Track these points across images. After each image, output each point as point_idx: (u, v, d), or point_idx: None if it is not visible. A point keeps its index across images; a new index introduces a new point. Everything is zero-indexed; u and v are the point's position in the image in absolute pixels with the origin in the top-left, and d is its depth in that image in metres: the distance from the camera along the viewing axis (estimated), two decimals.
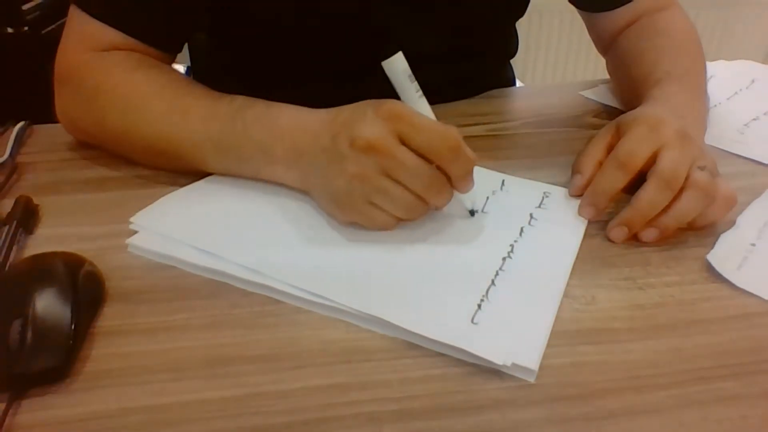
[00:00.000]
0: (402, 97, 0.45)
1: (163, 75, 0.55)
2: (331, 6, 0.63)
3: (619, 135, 0.50)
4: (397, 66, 0.44)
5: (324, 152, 0.45)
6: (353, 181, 0.43)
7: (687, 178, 0.45)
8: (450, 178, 0.45)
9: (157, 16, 0.57)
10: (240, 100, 0.52)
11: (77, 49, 0.57)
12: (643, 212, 0.46)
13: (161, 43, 0.58)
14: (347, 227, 0.47)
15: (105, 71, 0.55)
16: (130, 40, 0.56)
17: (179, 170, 0.54)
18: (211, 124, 0.51)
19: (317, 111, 0.48)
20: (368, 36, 0.65)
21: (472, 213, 0.49)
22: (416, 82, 0.44)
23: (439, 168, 0.44)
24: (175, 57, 0.62)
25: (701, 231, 0.48)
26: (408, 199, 0.44)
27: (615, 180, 0.48)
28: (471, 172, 0.45)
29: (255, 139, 0.49)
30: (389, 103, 0.43)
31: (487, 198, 0.52)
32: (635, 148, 0.47)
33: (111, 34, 0.56)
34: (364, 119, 0.43)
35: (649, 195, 0.46)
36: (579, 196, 0.51)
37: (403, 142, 0.42)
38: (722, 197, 0.47)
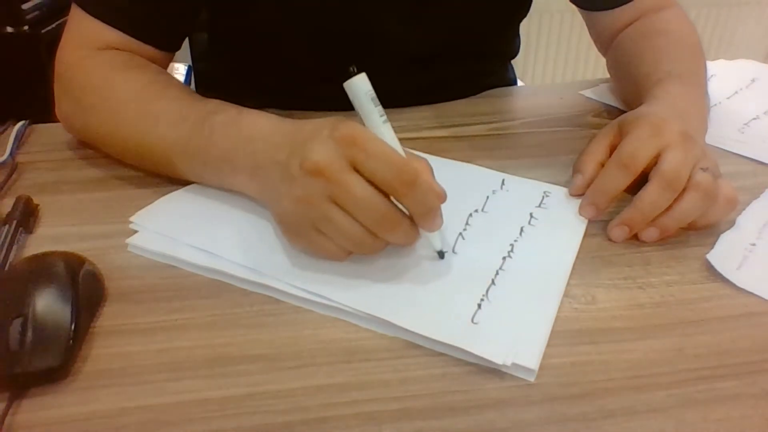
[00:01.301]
0: (364, 122, 0.41)
1: (144, 76, 0.55)
2: (331, 7, 0.63)
3: (620, 135, 0.50)
4: (359, 88, 0.40)
5: (278, 167, 0.42)
6: (299, 204, 0.40)
7: (689, 179, 0.45)
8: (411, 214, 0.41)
9: (155, 15, 0.57)
10: (212, 105, 0.50)
11: (74, 48, 0.57)
12: (645, 212, 0.46)
13: (158, 41, 0.58)
14: None
15: (91, 71, 0.55)
16: (127, 39, 0.57)
17: (157, 173, 0.54)
18: (180, 128, 0.49)
19: (285, 121, 0.45)
20: (369, 37, 0.65)
21: (441, 255, 0.44)
22: (380, 106, 0.41)
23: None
24: (173, 54, 0.62)
25: (701, 231, 0.48)
26: (355, 231, 0.40)
27: (617, 180, 0.48)
28: (433, 211, 0.41)
29: (219, 146, 0.47)
30: (347, 126, 0.39)
31: (487, 197, 0.52)
32: (638, 149, 0.47)
33: (108, 33, 0.56)
34: (318, 140, 0.40)
35: (651, 195, 0.46)
36: (579, 195, 0.51)
37: (356, 169, 0.39)
38: (724, 198, 0.47)
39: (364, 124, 0.41)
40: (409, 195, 0.39)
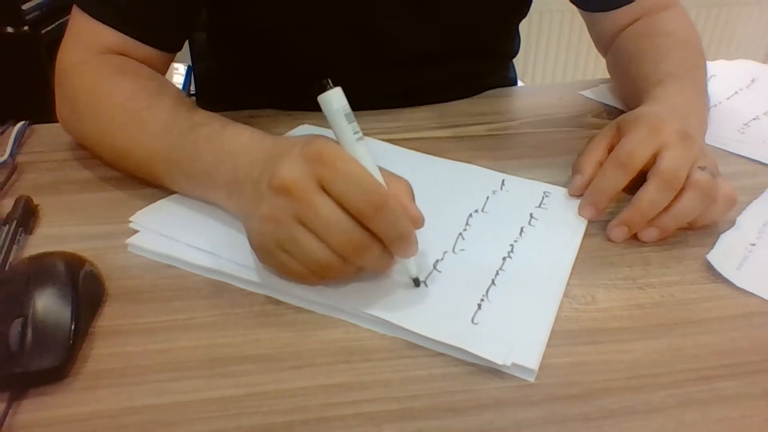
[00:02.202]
0: (338, 138, 0.39)
1: (135, 83, 0.54)
2: (331, 7, 0.63)
3: (619, 135, 0.50)
4: (333, 103, 0.38)
5: (250, 184, 0.41)
6: (265, 223, 0.39)
7: (687, 178, 0.45)
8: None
9: (155, 16, 0.58)
10: (198, 117, 0.49)
11: (73, 51, 0.57)
12: (644, 212, 0.46)
13: (159, 42, 0.58)
14: None
15: (86, 75, 0.55)
16: (126, 40, 0.57)
17: (146, 181, 0.53)
18: (163, 139, 0.49)
19: (267, 138, 0.44)
20: (369, 37, 0.65)
21: (416, 283, 0.41)
22: (355, 122, 0.39)
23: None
24: (174, 55, 0.62)
25: (701, 231, 0.48)
26: (322, 253, 0.38)
27: (615, 180, 0.48)
28: (405, 237, 0.38)
29: (202, 160, 0.46)
30: (318, 143, 0.38)
31: (487, 198, 0.52)
32: (636, 148, 0.47)
33: (108, 35, 0.56)
34: (288, 157, 0.38)
35: (650, 195, 0.46)
36: (579, 196, 0.51)
37: (324, 189, 0.37)
38: (723, 197, 0.47)
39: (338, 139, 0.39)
40: (376, 218, 0.37)
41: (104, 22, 0.56)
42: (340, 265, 0.39)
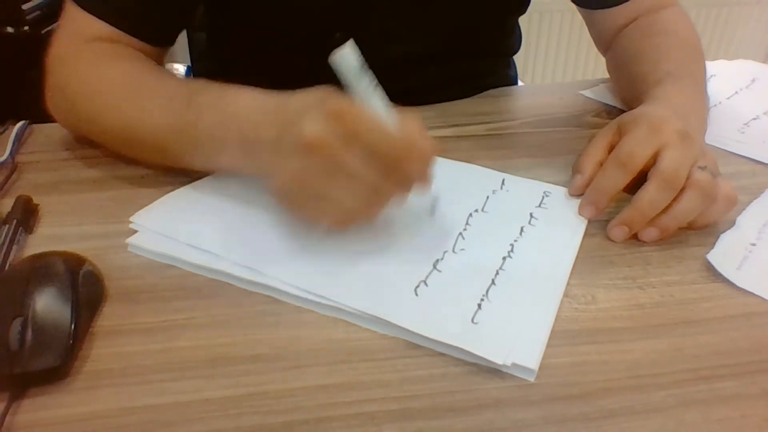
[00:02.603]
0: (353, 91, 0.41)
1: (131, 64, 0.55)
2: (330, 6, 0.63)
3: (620, 134, 0.50)
4: (348, 58, 0.40)
5: (268, 145, 0.43)
6: (294, 179, 0.42)
7: (688, 178, 0.45)
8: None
9: (147, 10, 0.57)
10: (196, 85, 0.51)
11: (65, 41, 0.57)
12: (644, 212, 0.46)
13: (150, 36, 0.58)
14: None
15: (79, 61, 0.55)
16: (118, 33, 0.57)
17: (146, 160, 0.54)
18: (166, 111, 0.50)
19: (268, 97, 0.46)
20: (368, 36, 0.65)
21: (431, 212, 0.48)
22: (370, 72, 0.41)
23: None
24: (166, 50, 0.62)
25: (701, 231, 0.48)
26: (352, 202, 0.41)
27: (616, 180, 0.48)
28: (425, 176, 0.43)
29: (206, 126, 0.48)
30: (336, 100, 0.40)
31: (487, 197, 0.52)
32: (636, 148, 0.47)
33: (99, 26, 0.56)
34: (309, 116, 0.40)
35: (650, 195, 0.46)
36: (579, 195, 0.51)
37: (349, 143, 0.40)
38: (723, 197, 0.47)
39: (352, 95, 0.41)
40: (400, 167, 0.41)
41: (96, 15, 0.56)
42: (366, 210, 0.43)
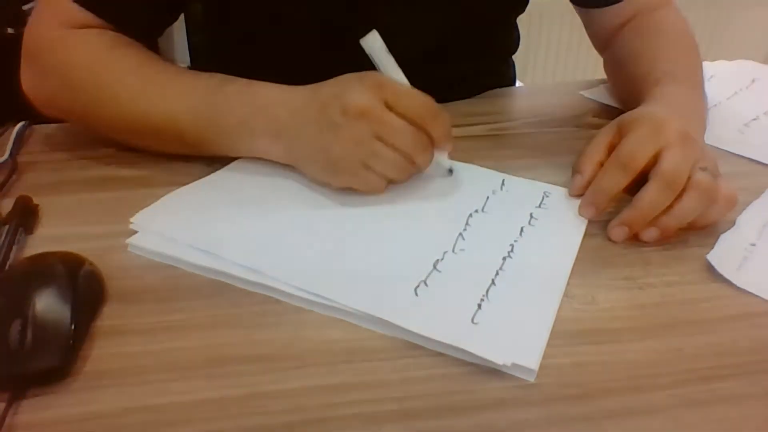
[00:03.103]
0: (381, 70, 0.49)
1: (139, 53, 0.56)
2: (329, 6, 0.63)
3: (620, 135, 0.50)
4: (375, 43, 0.48)
5: (313, 123, 0.48)
6: (349, 145, 0.47)
7: (688, 179, 0.45)
8: (432, 138, 0.49)
9: (133, 2, 0.57)
10: (219, 77, 0.53)
11: (49, 25, 0.56)
12: (645, 212, 0.46)
13: (135, 28, 0.58)
14: (347, 223, 0.47)
15: (78, 48, 0.55)
16: (103, 22, 0.56)
17: (151, 149, 0.55)
18: (189, 98, 0.52)
19: (296, 88, 0.50)
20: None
21: (450, 171, 0.53)
22: (391, 54, 0.49)
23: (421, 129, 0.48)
24: (153, 42, 0.61)
25: (701, 231, 0.48)
26: (398, 159, 0.48)
27: (616, 180, 0.48)
28: (450, 132, 0.50)
29: (236, 112, 0.50)
30: (372, 75, 0.48)
31: (487, 198, 0.52)
32: (637, 148, 0.47)
33: (83, 16, 0.56)
34: (353, 89, 0.47)
35: (651, 195, 0.46)
36: (579, 196, 0.51)
37: (390, 108, 0.46)
38: (723, 198, 0.47)
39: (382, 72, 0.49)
40: (434, 123, 0.48)
41: (82, 6, 0.55)
42: (409, 167, 0.49)
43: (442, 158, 0.52)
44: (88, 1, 0.56)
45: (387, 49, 0.49)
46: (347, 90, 0.47)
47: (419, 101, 0.48)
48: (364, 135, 0.47)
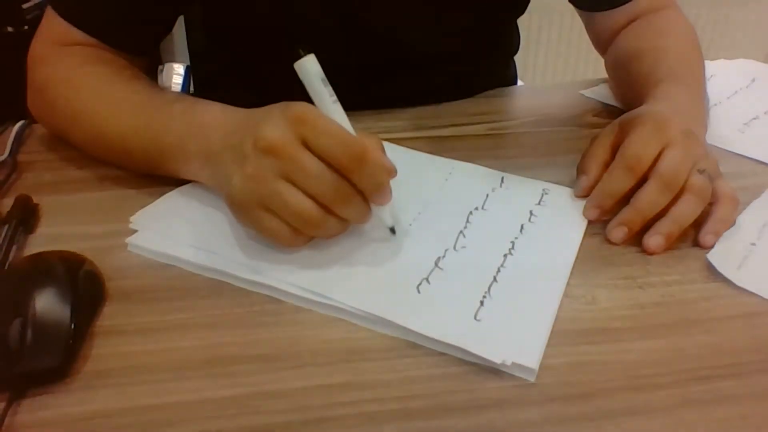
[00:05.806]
0: (314, 101, 0.41)
1: (107, 69, 0.55)
2: (329, 8, 0.63)
3: (622, 134, 0.50)
4: (309, 68, 0.41)
5: (229, 151, 0.43)
6: (248, 181, 0.40)
7: (685, 181, 0.45)
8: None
9: (124, 21, 0.58)
10: (171, 95, 0.52)
11: (44, 42, 0.58)
12: (643, 212, 0.46)
13: (127, 46, 0.59)
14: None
15: (56, 65, 0.56)
16: (96, 41, 0.57)
17: (118, 165, 0.54)
18: (138, 117, 0.51)
19: (238, 110, 0.47)
20: (369, 37, 0.65)
21: (392, 231, 0.45)
22: (330, 87, 0.41)
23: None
24: (146, 59, 0.62)
25: (701, 231, 0.48)
26: (305, 206, 0.40)
27: (622, 182, 0.47)
28: (383, 185, 0.42)
29: (174, 133, 0.48)
30: (297, 106, 0.41)
31: (487, 195, 0.52)
32: (642, 149, 0.47)
33: (76, 34, 0.57)
34: (270, 120, 0.40)
35: (650, 195, 0.46)
36: (585, 197, 0.50)
37: (307, 147, 0.40)
38: (725, 199, 0.47)
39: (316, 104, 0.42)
40: (358, 170, 0.40)
41: (74, 24, 0.56)
42: (322, 217, 0.41)
43: (382, 213, 0.44)
44: (76, 18, 0.56)
45: (324, 77, 0.41)
46: (265, 120, 0.41)
47: (341, 143, 0.39)
48: (267, 172, 0.40)
